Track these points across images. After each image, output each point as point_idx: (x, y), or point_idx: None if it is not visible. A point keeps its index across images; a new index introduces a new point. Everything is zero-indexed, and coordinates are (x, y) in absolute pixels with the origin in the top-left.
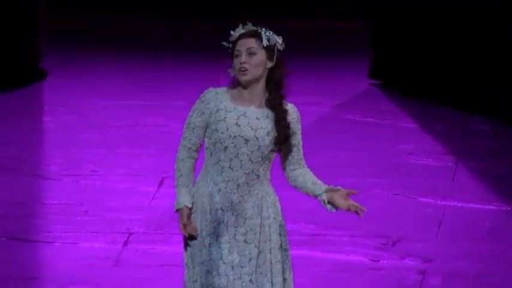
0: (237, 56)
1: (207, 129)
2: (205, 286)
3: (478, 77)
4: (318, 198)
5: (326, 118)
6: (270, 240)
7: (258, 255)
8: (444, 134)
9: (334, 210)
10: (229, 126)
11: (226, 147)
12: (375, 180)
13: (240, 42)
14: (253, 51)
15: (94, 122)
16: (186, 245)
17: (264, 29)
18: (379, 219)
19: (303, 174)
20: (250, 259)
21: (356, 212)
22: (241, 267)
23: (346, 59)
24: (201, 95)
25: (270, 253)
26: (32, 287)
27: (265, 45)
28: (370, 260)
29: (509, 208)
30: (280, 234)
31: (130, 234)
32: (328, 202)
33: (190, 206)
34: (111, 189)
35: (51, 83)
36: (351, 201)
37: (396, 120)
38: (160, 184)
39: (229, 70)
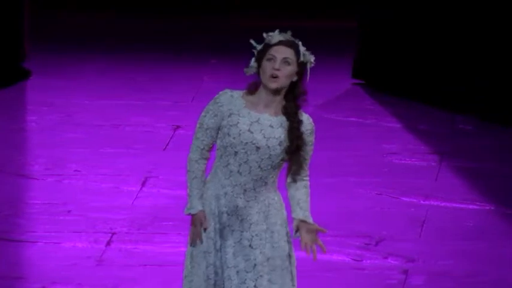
0: (269, 59)
1: (219, 132)
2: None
3: (461, 76)
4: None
5: None
6: (279, 247)
7: (263, 262)
8: (427, 134)
9: (296, 238)
10: (241, 132)
11: (236, 153)
12: (357, 180)
13: (277, 48)
14: (289, 61)
15: (78, 121)
16: (189, 244)
17: (300, 43)
18: (362, 219)
19: (295, 188)
20: (255, 265)
21: (307, 251)
22: (246, 272)
23: (329, 59)
24: (216, 96)
25: (281, 260)
26: (15, 287)
27: (301, 60)
28: (353, 259)
29: (492, 207)
30: (287, 241)
31: (113, 234)
32: (297, 230)
33: (203, 209)
34: (94, 189)
35: (35, 82)
36: (315, 238)
37: (379, 120)
38: (144, 184)
39: (246, 69)
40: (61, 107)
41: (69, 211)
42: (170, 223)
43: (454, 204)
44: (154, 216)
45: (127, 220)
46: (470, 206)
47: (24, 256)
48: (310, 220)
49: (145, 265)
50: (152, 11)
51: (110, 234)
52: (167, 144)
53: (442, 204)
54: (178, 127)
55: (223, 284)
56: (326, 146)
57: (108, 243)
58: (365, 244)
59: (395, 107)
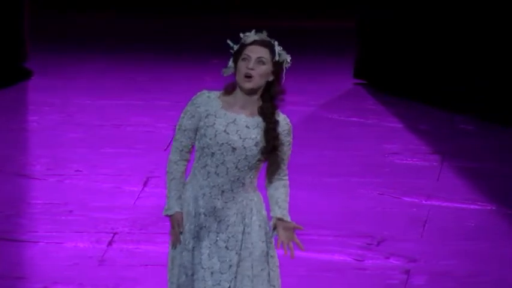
0: (244, 59)
1: (197, 133)
2: None
3: (462, 76)
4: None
5: (311, 118)
6: (254, 247)
7: (238, 263)
8: (429, 134)
9: (274, 236)
10: (217, 133)
11: (213, 153)
12: (359, 180)
13: (252, 47)
14: (263, 61)
15: (79, 121)
16: (170, 246)
17: (276, 42)
18: (363, 219)
19: (274, 188)
20: (230, 266)
21: (284, 249)
22: (221, 273)
23: (331, 59)
24: (193, 97)
25: (253, 262)
26: (17, 286)
27: (276, 59)
28: (355, 259)
29: (493, 207)
30: (265, 242)
31: (115, 233)
32: (275, 228)
33: (181, 211)
34: (95, 189)
35: (37, 82)
36: (292, 236)
37: (381, 120)
38: (145, 184)
39: (224, 70)
40: (62, 107)
41: (70, 211)
42: None
43: (456, 204)
44: (156, 216)
45: (129, 220)
46: (472, 206)
47: (25, 256)
48: (288, 218)
49: (146, 265)
50: (152, 11)
51: (112, 234)
52: (168, 144)
53: (444, 204)
54: None
55: (193, 285)
56: (327, 146)
57: (110, 243)
58: (367, 244)
59: (396, 107)
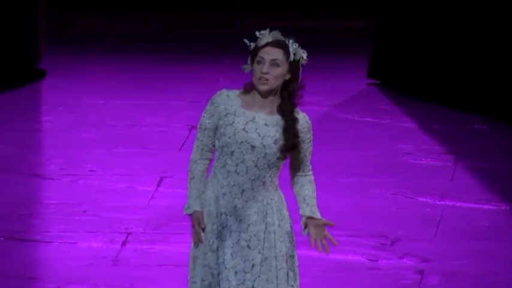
0: (259, 62)
1: (217, 132)
2: None
3: (475, 76)
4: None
5: (324, 117)
6: (275, 247)
7: (261, 262)
8: (442, 134)
9: (306, 235)
10: (236, 131)
11: (232, 152)
12: (373, 180)
13: (266, 49)
14: (278, 63)
15: (93, 121)
16: (192, 245)
17: (291, 41)
18: (377, 219)
19: (300, 184)
20: (253, 265)
21: (318, 247)
22: (245, 272)
23: (345, 59)
24: (213, 97)
25: (276, 260)
26: (31, 287)
27: (291, 59)
28: (369, 259)
29: (507, 207)
30: (285, 241)
31: (129, 234)
32: (306, 227)
33: (201, 210)
34: (109, 189)
35: (50, 82)
36: (324, 233)
37: (394, 120)
38: (159, 184)
39: (244, 66)
40: (76, 107)
41: (84, 211)
42: (186, 223)
43: (470, 204)
44: (170, 216)
45: (142, 220)
46: (486, 206)
47: (39, 256)
48: (318, 215)
49: (161, 265)
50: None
51: (126, 234)
52: (183, 144)
53: (458, 204)
54: (193, 127)
55: (219, 285)
56: (341, 146)
57: (124, 243)
58: (380, 244)
59: (410, 107)
